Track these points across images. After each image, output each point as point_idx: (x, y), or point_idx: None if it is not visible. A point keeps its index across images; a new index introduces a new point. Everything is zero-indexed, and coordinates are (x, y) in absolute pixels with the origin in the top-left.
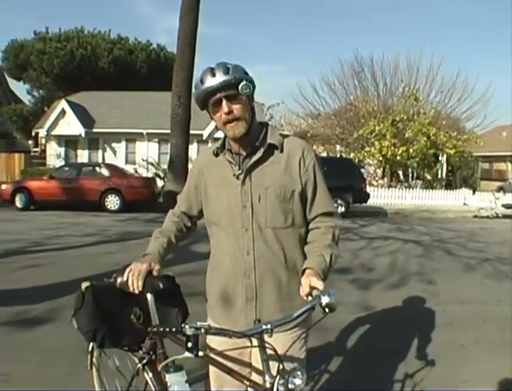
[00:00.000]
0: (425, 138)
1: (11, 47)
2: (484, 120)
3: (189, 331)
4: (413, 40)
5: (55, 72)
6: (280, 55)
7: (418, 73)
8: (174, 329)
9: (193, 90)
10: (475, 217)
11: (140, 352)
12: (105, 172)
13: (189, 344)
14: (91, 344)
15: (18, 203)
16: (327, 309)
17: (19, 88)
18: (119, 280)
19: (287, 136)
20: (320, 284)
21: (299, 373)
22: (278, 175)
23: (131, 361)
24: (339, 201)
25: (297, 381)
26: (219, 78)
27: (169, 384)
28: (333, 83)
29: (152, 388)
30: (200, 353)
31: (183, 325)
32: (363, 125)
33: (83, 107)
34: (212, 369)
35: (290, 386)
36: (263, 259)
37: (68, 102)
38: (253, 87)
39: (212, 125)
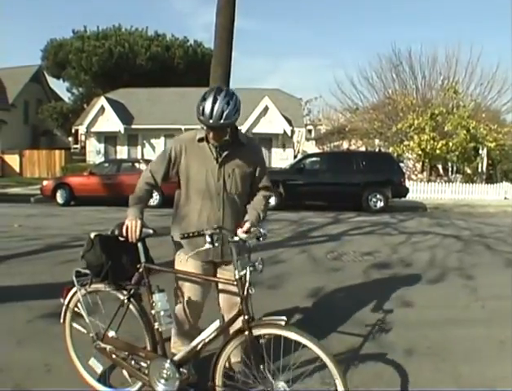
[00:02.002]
0: (464, 132)
1: (50, 46)
2: None
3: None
4: (452, 32)
5: (94, 69)
6: (317, 49)
7: (457, 65)
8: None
9: (230, 86)
10: None
11: (128, 286)
12: (144, 168)
13: (209, 239)
14: (69, 296)
15: (59, 198)
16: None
17: (59, 86)
18: (117, 232)
19: (251, 138)
20: (248, 226)
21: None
22: (242, 162)
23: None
24: (378, 195)
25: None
26: (216, 122)
27: (154, 303)
28: (371, 77)
29: (136, 314)
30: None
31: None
32: (401, 119)
33: (122, 103)
34: (186, 283)
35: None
36: (228, 214)
37: (107, 99)
38: (237, 117)
39: (250, 120)
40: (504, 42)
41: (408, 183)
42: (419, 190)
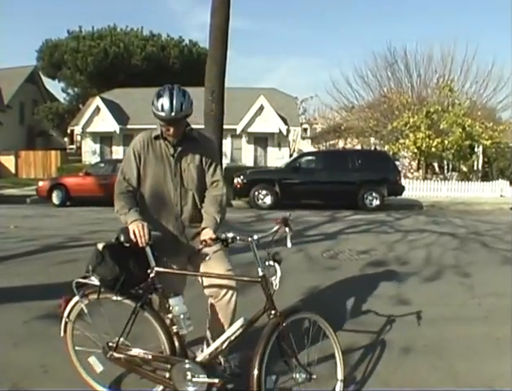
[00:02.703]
0: (460, 130)
1: (45, 47)
2: None
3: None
4: (447, 30)
5: (89, 69)
6: (313, 48)
7: (453, 63)
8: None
9: (226, 85)
10: None
11: (140, 291)
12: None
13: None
14: (67, 309)
15: (55, 199)
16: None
17: (55, 86)
18: (123, 238)
19: (202, 133)
20: (212, 235)
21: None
22: (196, 157)
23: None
24: (374, 194)
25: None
26: (178, 114)
27: (171, 307)
28: (367, 75)
29: (152, 320)
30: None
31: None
32: (397, 117)
33: (117, 103)
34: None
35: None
36: (186, 208)
37: (103, 99)
38: (192, 109)
39: (245, 120)
40: (499, 40)
41: (403, 181)
42: (415, 188)
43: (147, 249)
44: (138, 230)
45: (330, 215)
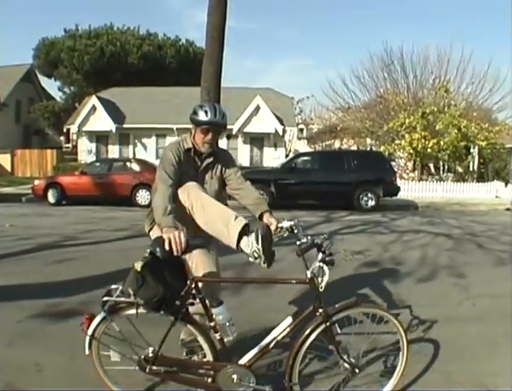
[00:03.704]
0: (456, 131)
1: (41, 45)
2: None
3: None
4: (443, 30)
5: (86, 68)
6: (309, 48)
7: (449, 64)
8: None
9: (222, 85)
10: (508, 209)
11: (177, 303)
12: (136, 167)
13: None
14: (93, 326)
15: (50, 198)
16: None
17: (51, 85)
18: (160, 252)
19: (223, 149)
20: (276, 224)
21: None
22: (217, 170)
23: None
24: (369, 194)
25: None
26: (220, 119)
27: (215, 316)
28: (363, 76)
29: (192, 329)
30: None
31: None
32: (393, 118)
33: (113, 102)
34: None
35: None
36: None
37: (99, 98)
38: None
39: (241, 120)
40: (495, 41)
41: (399, 182)
42: (410, 188)
43: (187, 257)
44: (173, 238)
45: (326, 215)
